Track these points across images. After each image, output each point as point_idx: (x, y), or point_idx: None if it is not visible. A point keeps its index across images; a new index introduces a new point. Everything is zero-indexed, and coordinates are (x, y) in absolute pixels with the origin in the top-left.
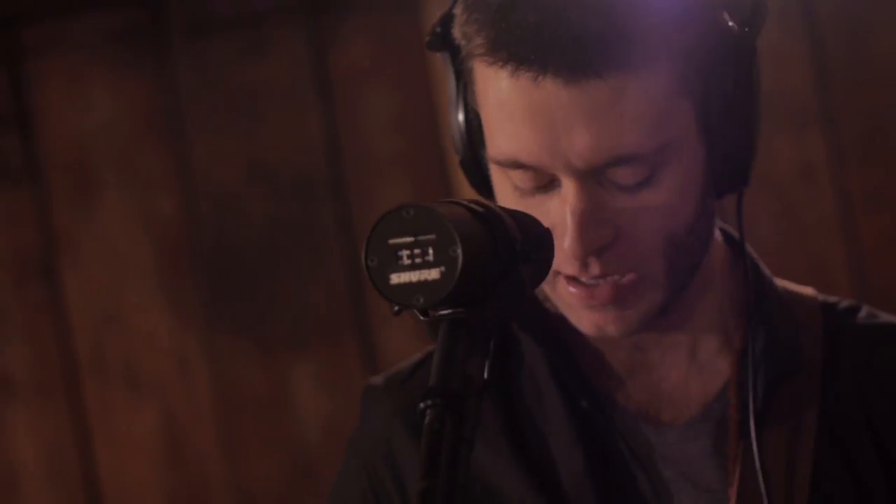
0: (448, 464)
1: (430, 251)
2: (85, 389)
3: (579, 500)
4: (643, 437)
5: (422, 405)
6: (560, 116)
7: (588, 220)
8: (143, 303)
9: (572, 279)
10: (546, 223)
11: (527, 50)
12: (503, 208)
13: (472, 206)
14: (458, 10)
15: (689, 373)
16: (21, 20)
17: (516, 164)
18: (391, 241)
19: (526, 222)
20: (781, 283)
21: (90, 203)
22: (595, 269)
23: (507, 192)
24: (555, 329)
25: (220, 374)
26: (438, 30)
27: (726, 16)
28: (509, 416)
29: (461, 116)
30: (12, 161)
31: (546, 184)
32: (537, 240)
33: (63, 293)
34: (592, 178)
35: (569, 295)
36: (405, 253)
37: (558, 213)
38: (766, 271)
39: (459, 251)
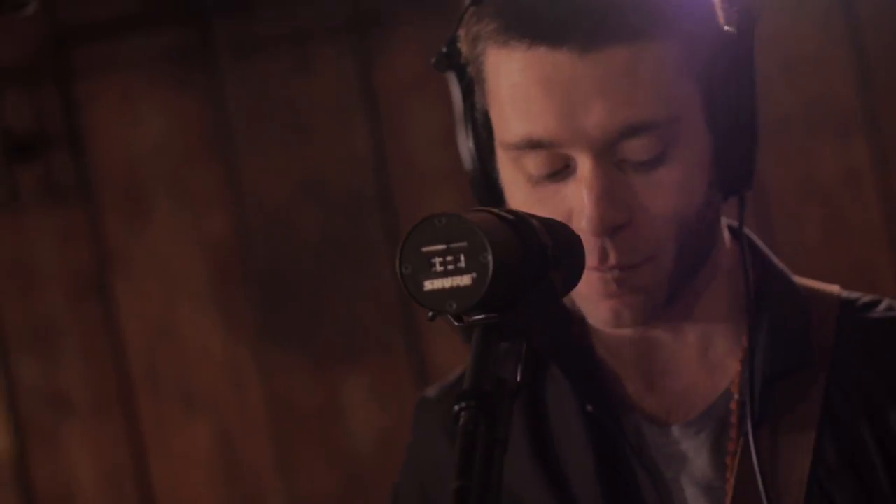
0: (482, 464)
1: (462, 258)
2: (139, 405)
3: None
4: (649, 439)
5: (456, 408)
6: (575, 88)
7: (605, 197)
8: (196, 319)
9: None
10: (562, 209)
11: (542, 24)
12: (533, 215)
13: (503, 213)
14: (462, 30)
15: (699, 373)
16: (72, 41)
17: (532, 144)
18: (424, 249)
19: (556, 228)
20: (802, 280)
21: (142, 220)
22: (612, 258)
23: (520, 184)
24: (575, 333)
25: (272, 388)
26: (444, 50)
27: (724, 15)
28: (532, 418)
29: (470, 132)
30: (65, 180)
31: (560, 169)
32: (568, 245)
33: (117, 310)
34: (608, 156)
35: (584, 284)
36: (438, 260)
37: (574, 195)
38: (780, 267)
39: (490, 258)
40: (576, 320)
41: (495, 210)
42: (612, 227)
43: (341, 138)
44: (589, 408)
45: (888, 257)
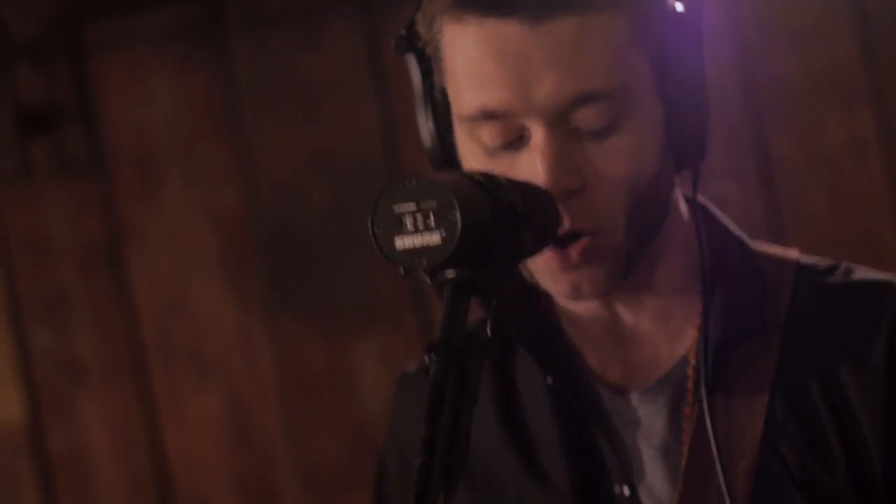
0: (451, 415)
1: (432, 216)
2: (152, 373)
3: (554, 473)
4: (610, 406)
5: (426, 360)
6: (527, 58)
7: (557, 164)
8: (208, 288)
9: None
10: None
11: None
12: (504, 176)
13: (474, 174)
14: (420, 13)
15: (659, 341)
16: (83, 17)
17: (486, 115)
18: (395, 209)
19: (527, 189)
20: (760, 245)
21: (154, 193)
22: (566, 223)
23: (477, 156)
24: (540, 308)
25: (283, 356)
26: (403, 33)
27: None
28: (502, 390)
29: (429, 111)
30: (78, 154)
31: (515, 139)
32: (538, 205)
33: (129, 281)
34: (560, 125)
35: (545, 259)
36: (408, 219)
37: (528, 164)
38: (737, 234)
39: (458, 215)
40: (542, 296)
41: (466, 171)
42: (566, 192)
43: (351, 111)
44: (549, 380)
45: (893, 227)
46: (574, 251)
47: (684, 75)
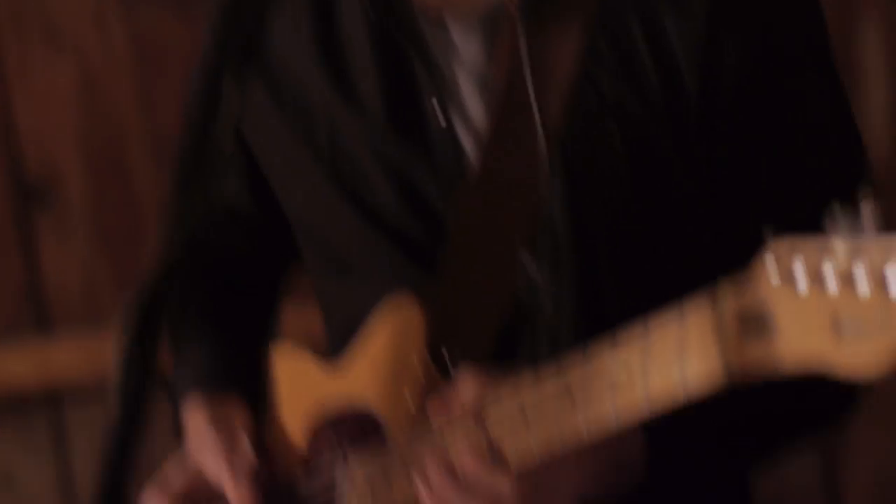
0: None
1: None
2: (3, 45)
3: (368, 97)
4: (427, 33)
5: None
6: None
7: None
8: None
9: None
10: None
11: None
12: None
13: None
14: None
15: None
16: None
17: None
18: None
19: None
20: None
21: None
22: None
23: None
24: None
25: (138, 30)
26: None
27: None
28: (323, 22)
29: None
30: None
31: None
32: None
33: None
34: None
35: None
36: None
37: None
38: None
39: None
40: None
41: None
42: None
43: None
44: (368, 8)
45: None
46: None
47: None
